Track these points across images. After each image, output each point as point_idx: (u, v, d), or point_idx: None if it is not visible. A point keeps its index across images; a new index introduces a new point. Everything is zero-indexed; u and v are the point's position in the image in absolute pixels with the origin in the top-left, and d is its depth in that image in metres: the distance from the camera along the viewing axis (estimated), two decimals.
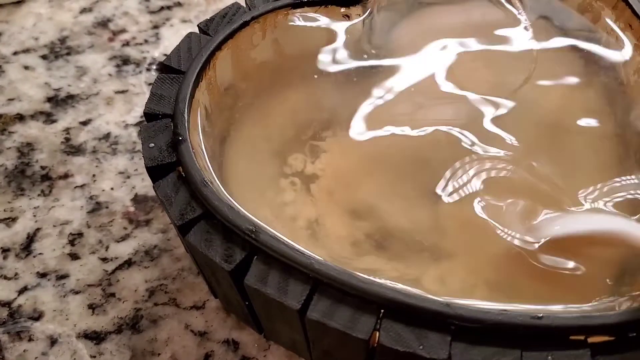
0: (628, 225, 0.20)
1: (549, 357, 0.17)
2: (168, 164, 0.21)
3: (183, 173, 0.20)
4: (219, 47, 0.23)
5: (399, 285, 0.18)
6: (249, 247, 0.19)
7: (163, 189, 0.20)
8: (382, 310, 0.18)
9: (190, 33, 0.24)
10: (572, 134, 0.24)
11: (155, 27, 0.34)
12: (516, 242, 0.20)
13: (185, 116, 0.21)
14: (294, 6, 0.25)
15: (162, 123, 0.22)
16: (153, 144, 0.21)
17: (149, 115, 0.22)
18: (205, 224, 0.19)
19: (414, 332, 0.17)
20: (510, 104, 0.24)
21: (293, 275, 0.18)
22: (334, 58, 0.25)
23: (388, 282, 0.18)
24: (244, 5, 0.25)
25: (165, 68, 0.23)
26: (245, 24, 0.24)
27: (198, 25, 0.24)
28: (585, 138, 0.24)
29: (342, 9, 0.25)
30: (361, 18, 0.26)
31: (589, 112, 0.24)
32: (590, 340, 0.17)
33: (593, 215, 0.21)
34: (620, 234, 0.19)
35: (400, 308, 0.18)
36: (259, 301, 0.20)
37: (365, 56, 0.25)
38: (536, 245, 0.20)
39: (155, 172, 0.21)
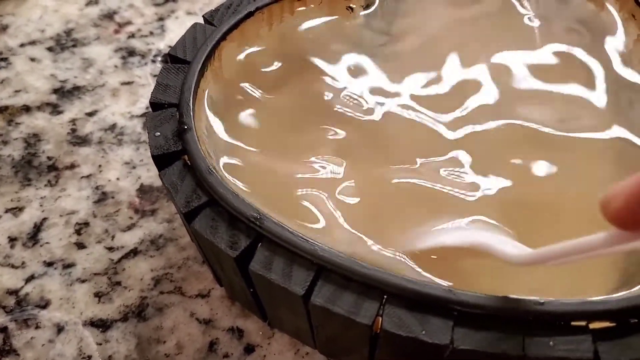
0: (490, 239, 0.20)
1: (551, 343, 0.17)
2: (174, 152, 0.21)
3: (188, 161, 0.21)
4: (224, 37, 0.24)
5: (402, 272, 0.19)
6: (254, 234, 0.19)
7: (169, 177, 0.20)
8: (385, 296, 0.18)
9: (196, 23, 0.24)
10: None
11: (161, 19, 0.34)
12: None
13: (191, 105, 0.22)
14: None
15: (168, 112, 0.22)
16: (159, 133, 0.21)
17: (155, 105, 0.22)
18: (211, 211, 0.20)
19: (416, 318, 0.17)
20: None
21: (297, 261, 0.19)
22: (339, 49, 0.25)
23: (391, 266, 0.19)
24: None
25: (170, 58, 0.23)
26: (250, 15, 0.24)
27: (203, 16, 0.25)
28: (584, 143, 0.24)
29: (345, 0, 0.26)
30: (367, 10, 0.26)
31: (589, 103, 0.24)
32: (592, 326, 0.17)
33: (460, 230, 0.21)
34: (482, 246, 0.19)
35: (403, 294, 0.18)
36: (263, 287, 0.20)
37: (370, 45, 0.25)
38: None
39: (161, 160, 0.21)
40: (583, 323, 0.17)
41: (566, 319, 0.17)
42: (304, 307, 0.19)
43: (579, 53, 0.26)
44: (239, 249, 0.19)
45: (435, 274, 0.19)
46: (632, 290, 0.19)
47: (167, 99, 0.22)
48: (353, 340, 0.19)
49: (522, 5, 0.27)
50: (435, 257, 0.20)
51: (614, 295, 0.19)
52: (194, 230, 0.20)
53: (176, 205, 0.20)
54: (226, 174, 0.21)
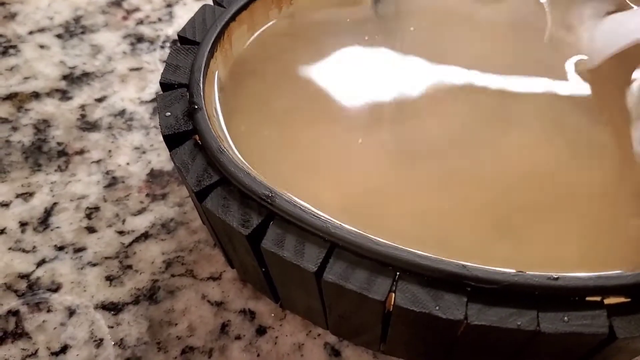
0: None
1: (565, 318, 0.17)
2: (184, 132, 0.21)
3: (199, 141, 0.21)
4: (233, 18, 0.24)
5: (415, 249, 0.18)
6: (266, 211, 0.19)
7: (180, 157, 0.20)
8: (398, 273, 0.18)
9: (205, 5, 0.24)
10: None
11: (169, 5, 0.34)
12: None
13: (201, 85, 0.22)
14: None
15: (178, 92, 0.22)
16: (169, 113, 0.21)
17: (165, 85, 0.22)
18: (222, 190, 0.20)
19: (429, 294, 0.17)
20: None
21: (309, 238, 0.18)
22: (349, 33, 0.25)
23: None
24: None
25: (180, 39, 0.23)
26: None
27: None
28: None
29: None
30: None
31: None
32: (607, 301, 0.17)
33: None
34: None
35: (416, 270, 0.18)
36: (275, 266, 0.20)
37: (380, 28, 0.25)
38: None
39: (172, 140, 0.21)
40: (598, 298, 0.17)
41: (581, 294, 0.17)
42: (316, 285, 0.19)
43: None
44: (250, 227, 0.19)
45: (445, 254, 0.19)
46: None
47: (177, 79, 0.22)
48: (366, 318, 0.19)
49: None
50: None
51: (628, 274, 0.18)
52: (206, 209, 0.20)
53: (187, 184, 0.20)
54: (236, 152, 0.21)
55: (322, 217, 0.19)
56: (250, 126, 0.23)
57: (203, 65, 0.22)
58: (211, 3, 0.25)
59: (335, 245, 0.18)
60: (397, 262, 0.18)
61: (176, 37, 0.32)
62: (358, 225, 0.19)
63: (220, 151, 0.20)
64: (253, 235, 0.19)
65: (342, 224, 0.19)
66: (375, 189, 0.21)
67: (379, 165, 0.22)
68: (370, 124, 0.23)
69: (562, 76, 0.24)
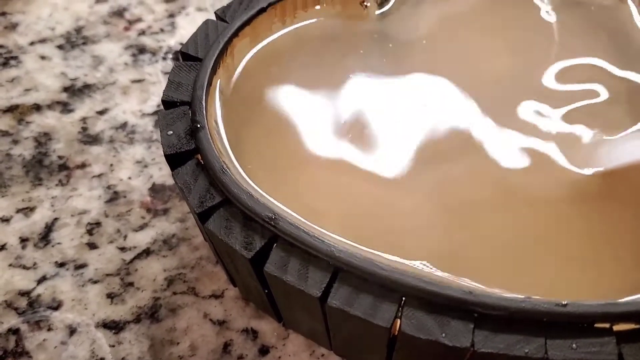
0: None
1: (574, 345, 0.17)
2: (187, 151, 0.21)
3: (202, 161, 0.20)
4: (236, 34, 0.23)
5: (422, 272, 0.18)
6: (269, 234, 0.19)
7: (182, 177, 0.20)
8: (404, 298, 0.18)
9: (207, 20, 0.24)
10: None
11: (171, 15, 0.34)
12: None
13: (203, 103, 0.21)
14: None
15: (180, 110, 0.21)
16: (171, 132, 0.21)
17: (167, 103, 0.22)
18: (225, 212, 0.19)
19: (436, 320, 0.17)
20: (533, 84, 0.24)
21: (313, 262, 0.18)
22: (353, 47, 0.25)
23: (410, 270, 0.18)
24: None
25: (182, 55, 0.23)
26: (263, 10, 0.24)
27: (215, 12, 0.24)
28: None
29: None
30: (382, 8, 0.26)
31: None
32: (616, 328, 0.17)
33: None
34: None
35: (422, 295, 0.17)
36: (278, 289, 0.19)
37: (383, 44, 0.25)
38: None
39: (174, 159, 0.21)
40: (607, 325, 0.17)
41: (589, 320, 0.17)
42: (320, 309, 0.18)
43: (599, 39, 0.25)
44: (253, 249, 0.19)
45: (454, 273, 0.19)
46: None
47: (179, 96, 0.22)
48: (371, 343, 0.19)
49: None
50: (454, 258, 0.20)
51: (638, 300, 0.18)
52: (208, 230, 0.19)
53: (190, 205, 0.20)
54: (240, 170, 0.21)
55: (327, 240, 0.18)
56: (254, 143, 0.22)
57: (206, 82, 0.22)
58: (213, 17, 0.25)
59: (340, 269, 0.18)
60: (402, 287, 0.18)
61: (178, 48, 0.32)
62: (363, 242, 0.19)
63: (222, 171, 0.20)
64: (256, 258, 0.19)
65: (347, 245, 0.19)
66: (380, 203, 0.21)
67: (383, 180, 0.22)
68: (376, 138, 0.23)
69: None
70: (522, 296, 0.18)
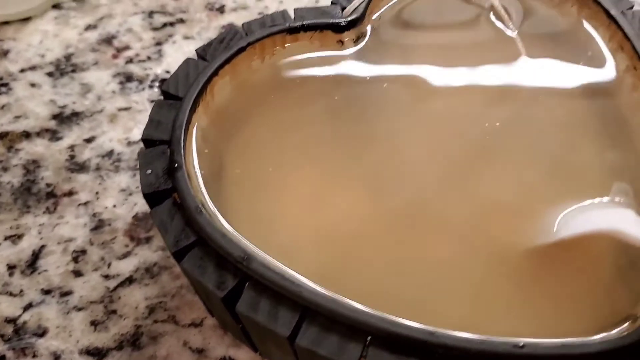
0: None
1: None
2: (164, 190, 0.21)
3: (178, 200, 0.21)
4: (215, 73, 0.24)
5: (386, 314, 0.19)
6: (241, 274, 0.19)
7: (159, 216, 0.21)
8: (369, 338, 0.18)
9: (188, 59, 0.25)
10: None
11: (158, 43, 0.35)
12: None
13: (182, 143, 0.22)
14: (290, 31, 0.25)
15: (159, 149, 0.22)
16: (150, 170, 0.22)
17: (147, 141, 0.23)
18: (199, 251, 0.20)
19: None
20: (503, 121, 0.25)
21: (283, 302, 0.19)
22: (330, 82, 0.26)
23: (374, 310, 0.19)
24: (241, 30, 0.26)
25: (163, 94, 0.24)
26: (242, 50, 0.25)
27: (196, 51, 0.25)
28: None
29: (336, 34, 0.26)
30: (358, 47, 0.27)
31: (579, 127, 0.25)
32: None
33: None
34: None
35: (387, 336, 0.18)
36: (251, 326, 0.20)
37: (360, 80, 0.26)
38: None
39: (153, 197, 0.21)
40: None
41: None
42: (290, 347, 0.19)
43: (567, 79, 0.26)
44: (226, 289, 0.19)
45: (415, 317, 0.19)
46: (612, 332, 0.19)
47: (159, 135, 0.23)
48: None
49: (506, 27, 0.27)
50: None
51: (594, 337, 0.19)
52: (183, 269, 0.20)
53: (166, 244, 0.21)
54: (214, 209, 0.21)
55: (296, 281, 0.19)
56: (234, 181, 0.23)
57: (184, 122, 0.22)
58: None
59: (309, 310, 0.19)
60: (368, 327, 0.18)
61: (165, 76, 0.33)
62: (334, 285, 0.20)
63: (198, 211, 0.20)
64: (228, 297, 0.19)
65: (316, 286, 0.19)
66: (356, 245, 0.22)
67: (358, 219, 0.22)
68: (353, 173, 0.24)
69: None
70: (482, 337, 0.18)
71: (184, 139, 0.22)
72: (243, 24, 0.26)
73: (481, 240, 0.22)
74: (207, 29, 0.35)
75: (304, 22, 0.26)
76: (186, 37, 0.35)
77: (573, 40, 0.27)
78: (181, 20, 0.35)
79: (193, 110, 0.23)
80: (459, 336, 0.18)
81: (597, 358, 0.18)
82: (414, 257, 0.21)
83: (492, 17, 0.28)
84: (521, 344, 0.18)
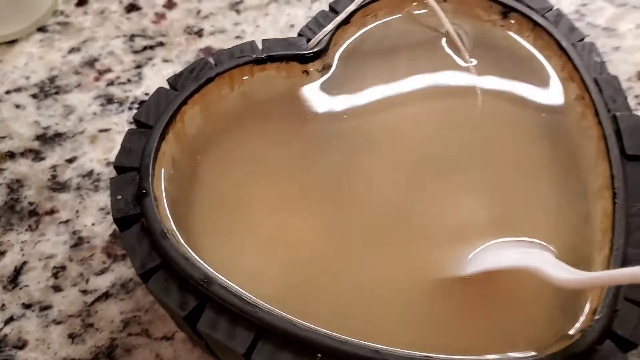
0: (541, 261, 0.21)
1: None
2: (133, 215, 0.23)
3: (146, 224, 0.22)
4: (185, 102, 0.26)
5: (335, 333, 0.20)
6: (202, 295, 0.21)
7: (127, 240, 0.22)
8: (319, 355, 0.20)
9: (160, 88, 0.26)
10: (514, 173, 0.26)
11: (138, 66, 0.36)
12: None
13: (150, 170, 0.23)
14: (257, 62, 0.27)
15: (130, 176, 0.24)
16: (120, 196, 0.23)
17: (119, 168, 0.24)
18: (164, 273, 0.22)
19: None
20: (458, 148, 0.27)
21: (240, 322, 0.21)
22: (295, 112, 0.27)
23: (325, 330, 0.20)
24: (211, 60, 0.27)
25: (135, 122, 0.25)
26: (210, 80, 0.26)
27: (167, 80, 0.26)
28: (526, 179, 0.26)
29: (302, 65, 0.27)
30: (323, 77, 0.28)
31: (531, 154, 0.26)
32: None
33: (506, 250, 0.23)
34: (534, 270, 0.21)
35: (335, 354, 0.20)
36: (212, 342, 0.22)
37: (323, 110, 0.27)
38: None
39: (122, 222, 0.23)
40: None
41: None
42: None
43: (519, 107, 0.27)
44: (187, 309, 0.21)
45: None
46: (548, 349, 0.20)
47: (129, 162, 0.24)
48: None
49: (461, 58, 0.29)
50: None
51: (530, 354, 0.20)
52: (149, 289, 0.22)
53: (134, 265, 0.22)
54: (178, 234, 0.23)
55: (253, 302, 0.21)
56: (201, 206, 0.25)
57: (153, 150, 0.24)
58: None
59: (263, 330, 0.20)
60: (318, 345, 0.20)
61: (144, 98, 0.34)
62: (292, 306, 0.21)
63: (163, 236, 0.22)
64: (190, 316, 0.21)
65: (271, 307, 0.21)
66: (310, 267, 0.23)
67: (314, 246, 0.24)
68: (312, 202, 0.25)
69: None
70: (422, 354, 0.20)
71: (152, 166, 0.24)
72: (213, 53, 0.27)
73: (422, 265, 0.23)
74: (185, 52, 0.36)
75: (271, 54, 0.27)
76: (165, 60, 0.36)
77: (527, 70, 0.29)
78: (161, 44, 0.37)
79: (162, 138, 0.25)
80: (402, 354, 0.20)
81: None
82: (363, 280, 0.23)
83: (446, 47, 0.29)
84: None
